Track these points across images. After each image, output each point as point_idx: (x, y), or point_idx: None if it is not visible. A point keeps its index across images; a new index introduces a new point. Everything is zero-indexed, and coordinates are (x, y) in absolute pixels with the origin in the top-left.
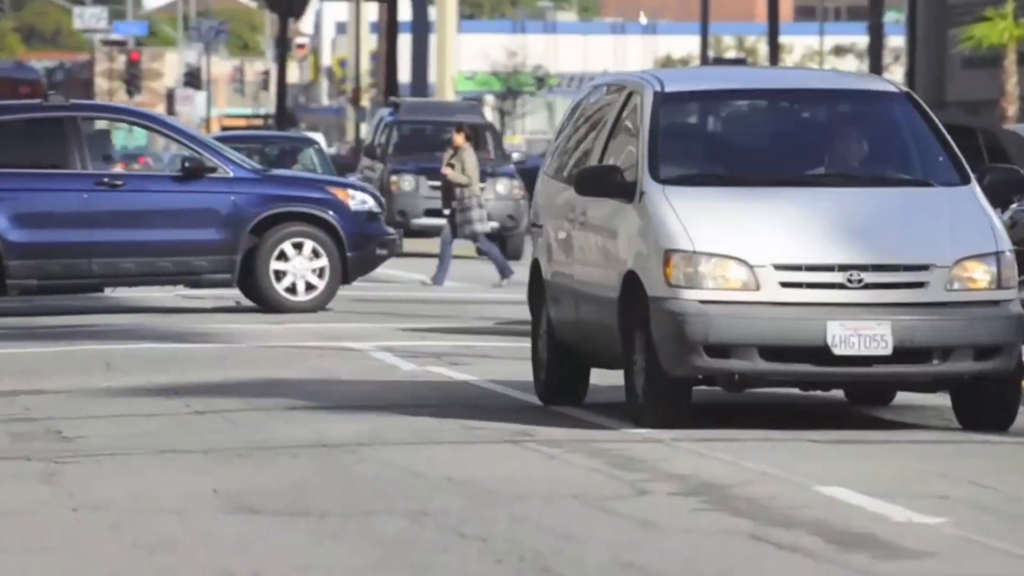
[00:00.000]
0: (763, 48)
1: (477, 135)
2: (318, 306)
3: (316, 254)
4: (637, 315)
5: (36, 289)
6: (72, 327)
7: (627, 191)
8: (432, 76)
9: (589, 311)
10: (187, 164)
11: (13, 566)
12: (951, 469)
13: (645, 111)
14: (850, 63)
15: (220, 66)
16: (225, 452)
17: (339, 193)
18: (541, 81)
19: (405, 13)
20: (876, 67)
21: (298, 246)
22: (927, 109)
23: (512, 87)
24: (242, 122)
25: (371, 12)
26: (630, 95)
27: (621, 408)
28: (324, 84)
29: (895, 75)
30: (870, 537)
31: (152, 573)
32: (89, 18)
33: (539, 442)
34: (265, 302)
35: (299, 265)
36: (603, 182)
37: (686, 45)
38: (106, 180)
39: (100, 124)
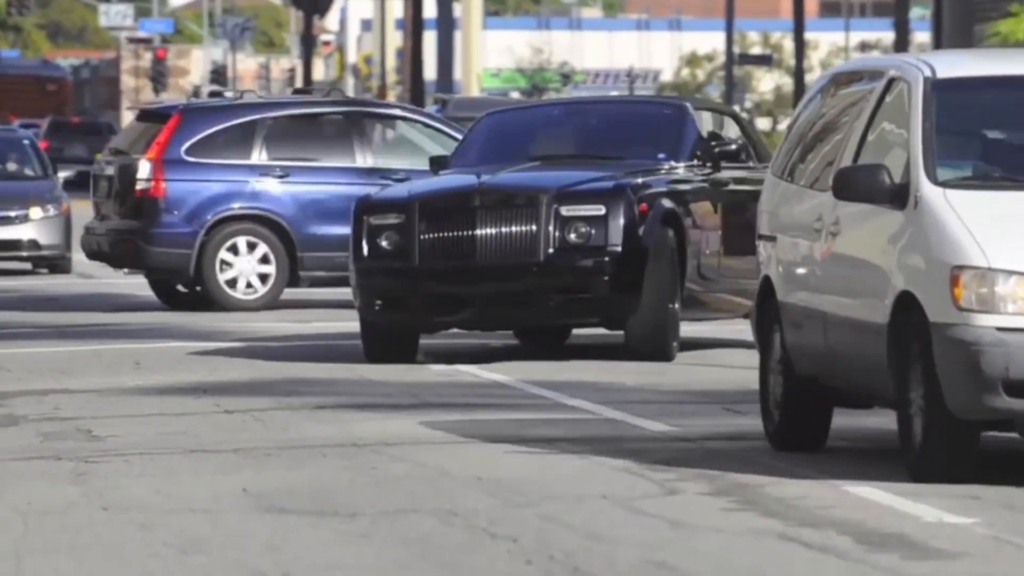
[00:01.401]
0: (788, 44)
1: None
2: None
3: None
4: (914, 345)
5: (325, 281)
6: (100, 326)
7: (897, 196)
8: (457, 73)
9: (844, 339)
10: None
11: (43, 566)
12: (982, 468)
13: (915, 101)
14: None
15: (246, 63)
16: (255, 451)
17: None
18: (567, 78)
19: (430, 10)
20: None
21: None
22: None
23: (537, 84)
24: None
25: (396, 9)
26: (891, 82)
27: (650, 408)
28: (350, 81)
29: None
30: (900, 537)
31: (183, 573)
32: (115, 15)
33: (568, 441)
34: None
35: None
36: (866, 185)
37: (711, 41)
38: (388, 176)
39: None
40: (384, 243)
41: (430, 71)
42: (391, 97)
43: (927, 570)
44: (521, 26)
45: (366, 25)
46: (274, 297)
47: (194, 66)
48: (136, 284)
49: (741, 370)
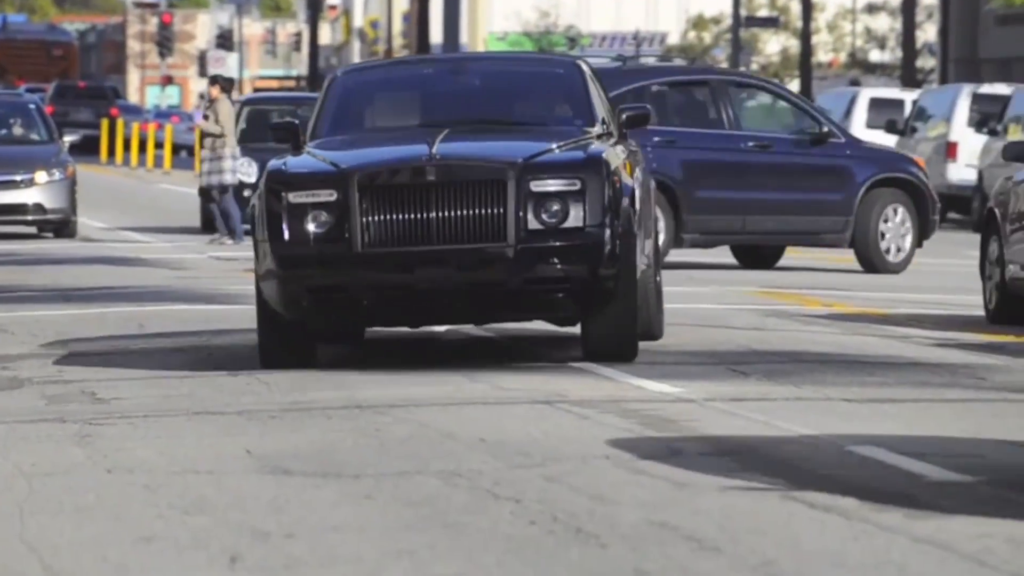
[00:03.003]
0: (795, 7)
1: (231, 87)
2: (901, 269)
3: (903, 218)
4: None
5: (703, 243)
6: (104, 289)
7: None
8: (464, 37)
9: None
10: (816, 131)
11: (48, 527)
12: (984, 428)
13: None
14: (883, 21)
15: (252, 28)
16: (258, 414)
17: (919, 162)
18: (573, 41)
19: None
20: (909, 25)
21: (895, 210)
22: None
23: (544, 47)
24: (274, 83)
25: None
26: None
27: (654, 369)
28: (356, 45)
29: (928, 33)
30: (905, 496)
31: (187, 534)
32: None
33: (572, 403)
34: (868, 263)
35: (894, 229)
36: None
37: (718, 4)
38: (757, 142)
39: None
40: (312, 225)
41: (436, 35)
42: None
43: (931, 528)
44: None
45: None
46: (664, 254)
47: (200, 31)
48: (140, 247)
49: (745, 331)
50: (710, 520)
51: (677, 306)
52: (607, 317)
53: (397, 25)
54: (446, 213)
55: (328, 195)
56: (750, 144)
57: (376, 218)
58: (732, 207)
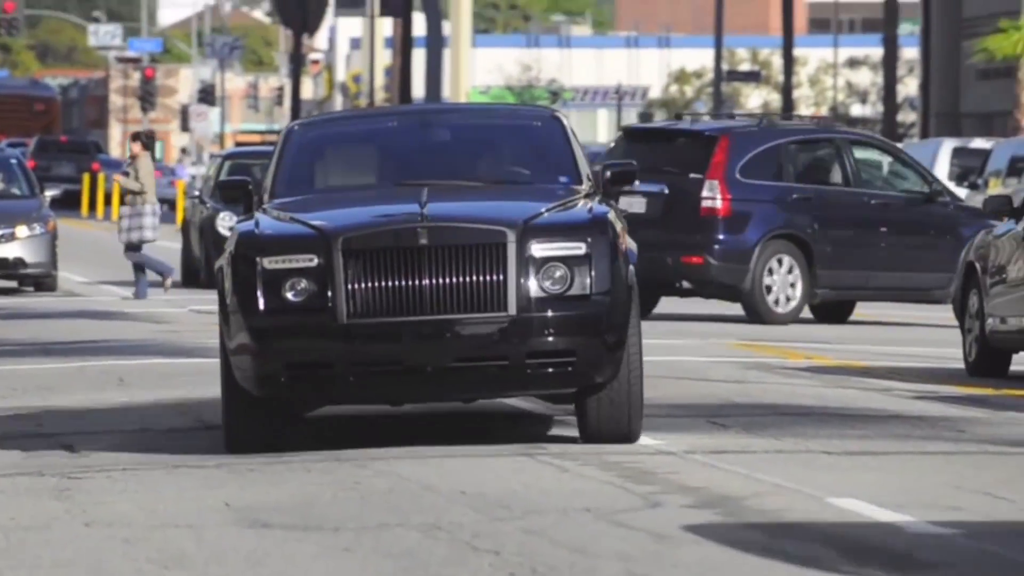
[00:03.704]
0: (777, 61)
1: (153, 143)
2: None
3: None
4: None
5: (833, 298)
6: (84, 342)
7: None
8: (446, 91)
9: None
10: (927, 189)
11: None
12: (964, 480)
13: None
14: (864, 75)
15: (234, 82)
16: (237, 466)
17: None
18: (556, 95)
19: (419, 28)
20: (890, 79)
21: None
22: None
23: (526, 101)
24: (256, 138)
25: (385, 28)
26: None
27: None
28: (338, 99)
29: (910, 87)
30: (884, 549)
31: None
32: (104, 35)
33: (552, 455)
34: None
35: None
36: None
37: (700, 58)
38: (879, 200)
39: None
40: (290, 294)
41: (419, 89)
42: None
43: None
44: (510, 44)
45: (355, 43)
46: (798, 311)
47: (182, 85)
48: (121, 302)
49: (726, 383)
50: (690, 573)
51: (658, 358)
52: (611, 394)
53: (379, 79)
54: (439, 280)
55: (308, 260)
56: (873, 202)
57: (362, 285)
58: (860, 263)
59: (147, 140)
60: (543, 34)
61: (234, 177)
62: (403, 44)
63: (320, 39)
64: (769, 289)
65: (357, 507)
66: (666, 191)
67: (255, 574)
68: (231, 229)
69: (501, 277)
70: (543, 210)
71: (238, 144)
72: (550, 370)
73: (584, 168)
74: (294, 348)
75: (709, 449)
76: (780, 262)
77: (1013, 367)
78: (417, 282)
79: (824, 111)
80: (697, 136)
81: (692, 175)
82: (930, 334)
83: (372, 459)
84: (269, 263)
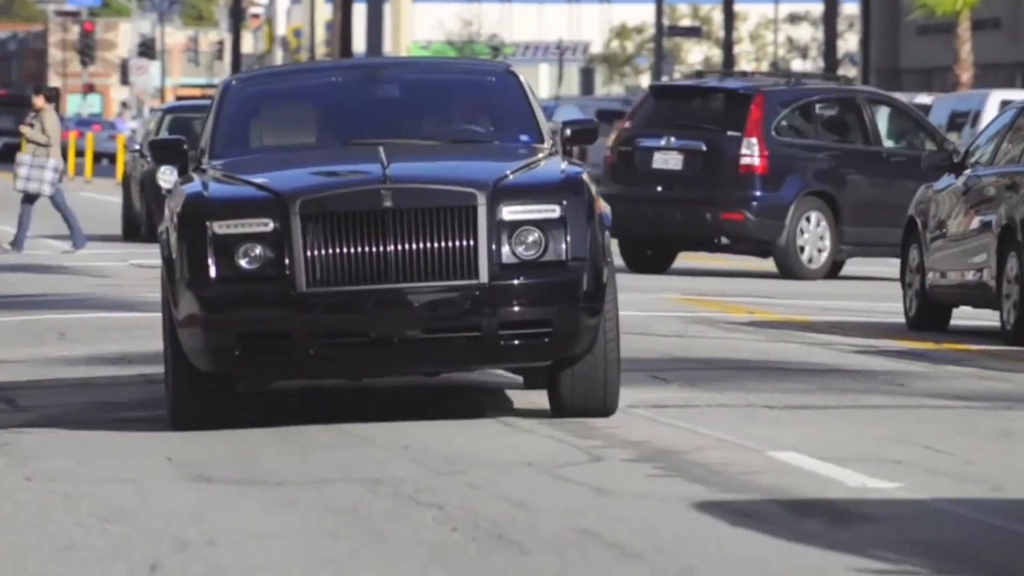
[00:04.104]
0: (718, 16)
1: (57, 97)
2: None
3: None
4: None
5: (859, 254)
6: (25, 297)
7: None
8: (387, 46)
9: None
10: (936, 146)
11: None
12: (905, 434)
13: None
14: (805, 31)
15: (174, 36)
16: None
17: None
18: (496, 50)
19: None
20: (831, 35)
21: None
22: None
23: (467, 56)
24: (196, 92)
25: None
26: None
27: None
28: (279, 54)
29: (850, 43)
30: (825, 503)
31: (107, 543)
32: None
33: (495, 411)
34: None
35: None
36: None
37: (641, 13)
38: (897, 157)
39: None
40: (244, 261)
41: (359, 44)
42: None
43: (852, 536)
44: None
45: None
46: (827, 267)
47: (122, 39)
48: (61, 255)
49: (668, 338)
50: (631, 527)
51: None
52: (586, 366)
53: (320, 34)
54: (405, 246)
55: (262, 225)
56: (894, 160)
57: (322, 251)
58: (884, 220)
59: (50, 93)
60: None
61: (167, 136)
62: None
63: None
64: (801, 248)
65: (299, 461)
66: (704, 148)
67: (197, 529)
68: (172, 191)
69: (471, 242)
70: (510, 171)
71: (178, 98)
72: (524, 342)
73: (544, 125)
74: (248, 319)
75: (651, 403)
76: (810, 219)
77: (953, 321)
78: (381, 248)
79: (764, 67)
80: (731, 94)
81: (730, 132)
82: (877, 289)
83: (314, 413)
84: (220, 228)
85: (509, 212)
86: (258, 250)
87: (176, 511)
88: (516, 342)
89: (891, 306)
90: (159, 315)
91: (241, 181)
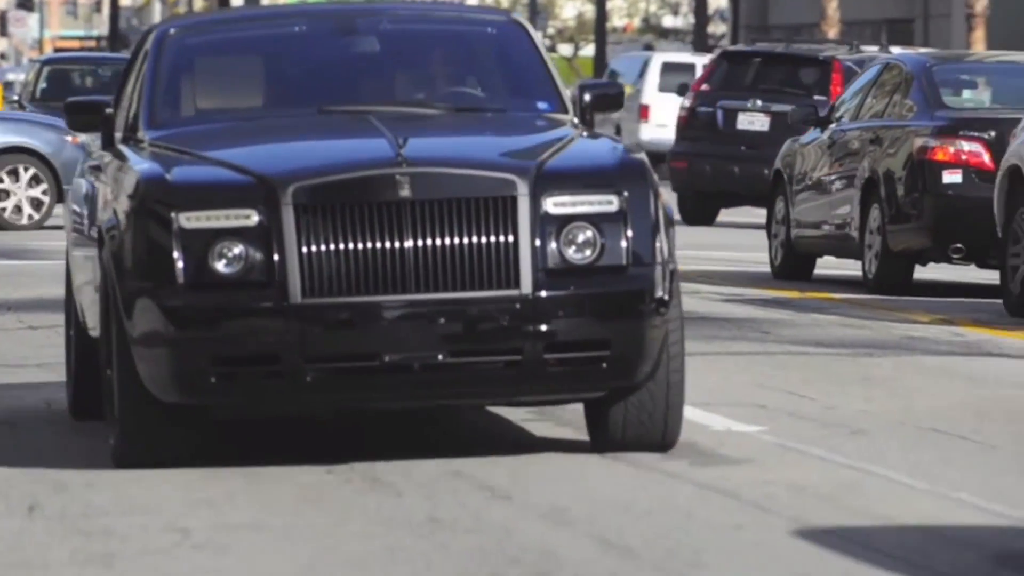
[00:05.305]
0: None
1: None
2: None
3: None
4: None
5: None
6: None
7: None
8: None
9: None
10: None
11: None
12: (768, 379)
13: None
14: None
15: None
16: (58, 366)
17: None
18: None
19: None
20: None
21: None
22: None
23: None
24: (75, 44)
25: None
26: None
27: None
28: (157, 7)
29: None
30: (689, 445)
31: None
32: None
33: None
34: None
35: None
36: None
37: None
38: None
39: None
40: (220, 263)
41: None
42: None
43: (714, 476)
44: None
45: None
46: None
47: None
48: None
49: None
50: (502, 469)
51: None
52: (644, 392)
53: None
54: (427, 246)
55: (243, 217)
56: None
57: (322, 252)
58: None
59: None
60: None
61: (87, 97)
62: None
63: None
64: None
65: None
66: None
67: (75, 471)
68: (103, 166)
69: (510, 243)
70: (550, 151)
71: (57, 50)
72: (576, 368)
73: (564, 90)
74: (228, 337)
75: None
76: None
77: (817, 271)
78: (397, 249)
79: (636, 22)
80: (810, 60)
81: (818, 96)
82: (746, 238)
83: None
84: (189, 221)
85: (556, 204)
86: (238, 249)
87: (52, 454)
88: (565, 368)
89: (758, 256)
90: (38, 263)
91: (208, 160)
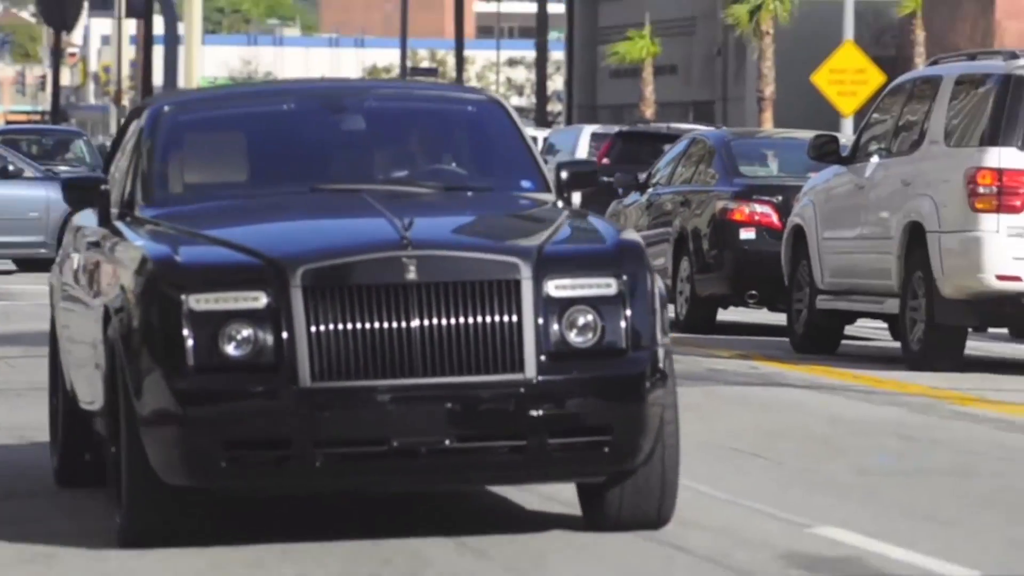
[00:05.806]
0: (451, 60)
1: None
2: None
3: None
4: None
5: None
6: None
7: None
8: (181, 81)
9: None
10: None
11: None
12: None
13: None
14: (521, 73)
15: (4, 71)
16: (5, 392)
17: None
18: None
19: (159, 28)
20: (542, 76)
21: None
22: None
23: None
24: (23, 117)
25: (131, 27)
26: None
27: None
28: (91, 86)
29: (557, 83)
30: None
31: None
32: None
33: None
34: None
35: None
36: None
37: (389, 56)
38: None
39: None
40: (230, 346)
41: (158, 78)
42: (125, 100)
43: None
44: (234, 42)
45: (106, 40)
46: None
47: None
48: None
49: None
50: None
51: None
52: (639, 477)
53: (126, 70)
54: (433, 330)
55: (251, 299)
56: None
57: (330, 333)
58: None
59: None
60: (260, 34)
61: (83, 175)
62: (145, 41)
63: (77, 36)
64: None
65: None
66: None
67: (24, 483)
68: (100, 243)
69: (514, 327)
70: (548, 234)
71: (8, 122)
72: (578, 453)
73: (544, 169)
74: (238, 420)
75: None
76: None
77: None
78: (405, 330)
79: None
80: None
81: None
82: None
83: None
84: (199, 303)
85: (557, 287)
86: (247, 331)
87: (2, 467)
88: (568, 453)
89: None
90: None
91: (214, 240)
